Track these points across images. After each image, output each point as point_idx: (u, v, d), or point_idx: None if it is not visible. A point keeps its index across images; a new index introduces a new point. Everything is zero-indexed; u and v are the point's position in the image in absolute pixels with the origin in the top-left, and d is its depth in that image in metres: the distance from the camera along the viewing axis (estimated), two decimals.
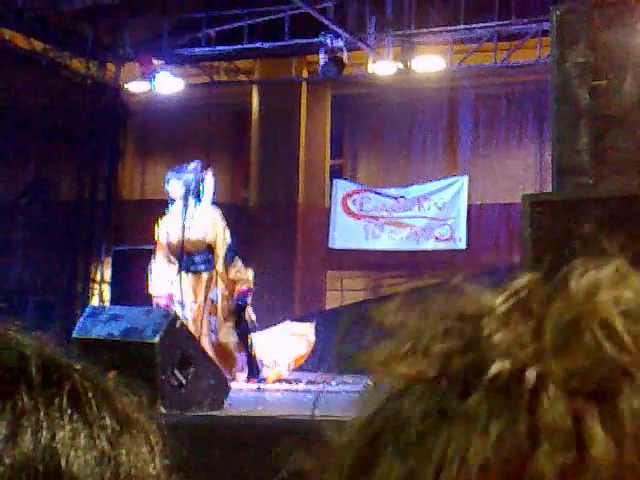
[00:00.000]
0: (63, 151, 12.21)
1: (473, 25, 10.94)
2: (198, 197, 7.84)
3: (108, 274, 11.79)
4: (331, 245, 12.02)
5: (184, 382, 5.19)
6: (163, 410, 5.07)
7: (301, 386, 7.73)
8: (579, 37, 5.29)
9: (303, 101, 13.22)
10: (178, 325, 5.35)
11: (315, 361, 8.89)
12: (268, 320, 12.15)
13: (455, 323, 0.43)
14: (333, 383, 7.78)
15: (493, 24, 10.82)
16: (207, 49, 11.98)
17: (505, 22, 10.76)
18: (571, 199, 5.04)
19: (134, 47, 12.28)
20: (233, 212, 13.38)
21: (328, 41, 10.91)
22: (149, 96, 12.47)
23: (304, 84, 13.26)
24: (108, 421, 0.57)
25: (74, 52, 12.18)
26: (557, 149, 5.44)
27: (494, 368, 0.40)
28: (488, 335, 0.41)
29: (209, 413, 5.24)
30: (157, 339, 5.06)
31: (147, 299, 9.67)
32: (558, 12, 5.53)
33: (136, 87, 12.36)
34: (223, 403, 5.49)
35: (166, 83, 11.94)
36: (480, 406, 0.39)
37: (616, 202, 4.97)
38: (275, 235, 12.52)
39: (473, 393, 0.40)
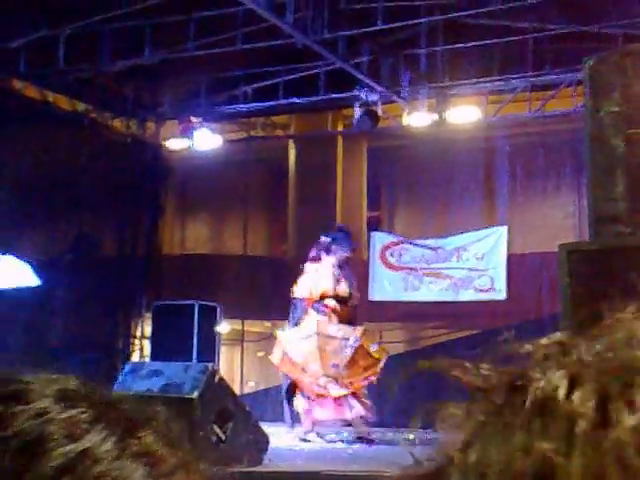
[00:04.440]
0: (106, 208, 12.42)
1: (507, 76, 10.99)
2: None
3: (148, 329, 11.88)
4: (370, 297, 11.99)
5: (223, 437, 5.18)
6: (202, 466, 5.06)
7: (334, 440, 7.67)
8: (612, 86, 5.30)
9: (339, 154, 13.34)
10: (217, 380, 5.36)
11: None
12: None
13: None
14: (373, 436, 7.71)
15: (528, 74, 10.87)
16: (244, 106, 12.17)
17: (540, 73, 10.81)
18: (608, 247, 5.00)
19: (173, 105, 12.53)
20: (272, 266, 13.46)
21: (363, 95, 11.03)
22: (188, 153, 12.68)
23: (340, 138, 13.40)
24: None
25: (115, 112, 12.46)
26: (593, 198, 5.43)
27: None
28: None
29: (248, 469, 5.22)
30: (196, 394, 5.08)
31: (187, 354, 9.70)
32: (590, 62, 5.56)
33: (176, 144, 12.58)
34: (262, 458, 5.47)
35: (205, 140, 12.14)
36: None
37: None
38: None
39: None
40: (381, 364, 7.72)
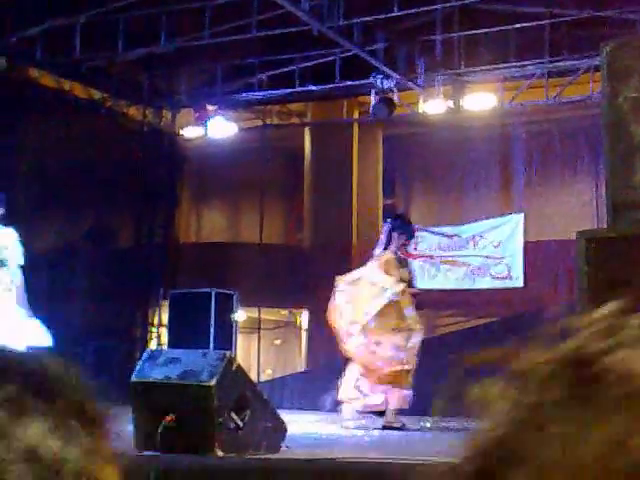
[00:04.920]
0: (122, 197, 12.45)
1: (524, 62, 10.93)
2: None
3: (165, 317, 11.92)
4: None
5: (241, 425, 5.20)
6: (220, 453, 5.09)
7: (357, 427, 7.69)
8: (631, 72, 5.26)
9: (355, 142, 13.32)
10: (234, 368, 5.38)
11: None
12: (324, 361, 12.15)
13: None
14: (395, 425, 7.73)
15: (544, 60, 10.80)
16: (260, 93, 12.16)
17: (556, 58, 10.74)
18: (626, 235, 4.97)
19: (189, 93, 12.54)
20: (287, 254, 13.48)
21: (379, 82, 10.99)
22: (204, 141, 12.68)
23: (355, 125, 13.37)
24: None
25: (131, 100, 12.49)
26: (611, 185, 5.40)
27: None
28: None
29: (266, 456, 5.24)
30: (214, 382, 5.09)
31: (204, 342, 9.74)
32: (608, 47, 5.51)
33: (191, 132, 12.60)
34: (280, 445, 5.49)
35: (220, 128, 12.15)
36: None
37: None
38: (330, 276, 12.53)
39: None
40: (414, 340, 7.64)
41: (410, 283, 7.96)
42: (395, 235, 7.98)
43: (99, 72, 11.64)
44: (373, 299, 7.63)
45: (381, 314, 7.56)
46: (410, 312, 7.73)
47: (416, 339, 7.69)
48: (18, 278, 6.73)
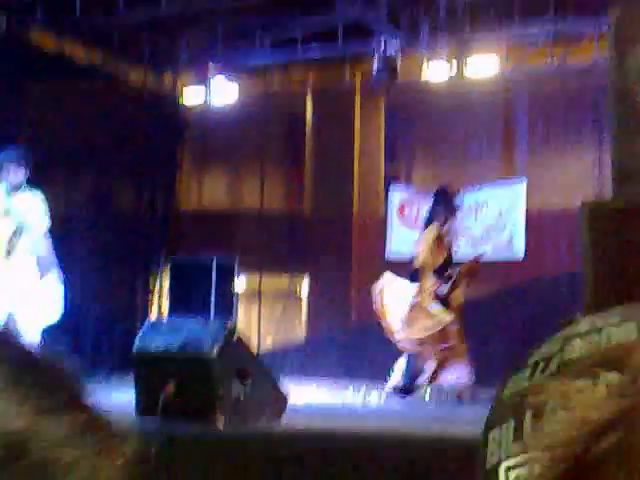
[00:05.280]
0: (122, 163, 12.37)
1: (528, 25, 10.81)
2: None
3: (166, 285, 11.90)
4: (387, 255, 11.93)
5: (242, 395, 5.19)
6: (221, 422, 5.08)
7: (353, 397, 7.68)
8: (638, 38, 5.16)
9: (357, 109, 13.20)
10: (236, 338, 5.36)
11: (373, 372, 8.84)
12: (323, 330, 12.16)
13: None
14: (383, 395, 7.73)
15: (549, 24, 10.68)
16: (262, 57, 12.06)
17: (562, 22, 10.61)
18: (631, 205, 4.91)
19: (190, 57, 12.43)
20: (288, 222, 13.42)
21: (381, 46, 10.88)
22: (205, 107, 12.59)
23: (358, 92, 13.24)
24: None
25: (132, 63, 12.37)
26: (616, 153, 5.32)
27: None
28: None
29: (267, 426, 5.24)
30: (215, 352, 5.08)
31: (205, 310, 9.72)
32: (616, 12, 5.40)
33: (192, 98, 12.51)
34: (281, 416, 5.48)
35: (221, 90, 12.07)
36: None
37: None
38: (330, 244, 12.50)
39: None
40: (447, 320, 7.71)
41: (450, 259, 8.02)
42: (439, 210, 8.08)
43: (99, 35, 11.50)
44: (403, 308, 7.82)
45: (408, 321, 7.73)
46: (435, 307, 7.81)
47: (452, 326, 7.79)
48: (42, 246, 6.57)
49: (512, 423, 0.45)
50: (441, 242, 8.08)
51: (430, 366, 7.62)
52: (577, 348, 0.45)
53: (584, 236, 5.24)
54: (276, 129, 13.67)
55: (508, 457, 0.44)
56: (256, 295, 13.02)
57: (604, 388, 0.43)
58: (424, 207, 11.91)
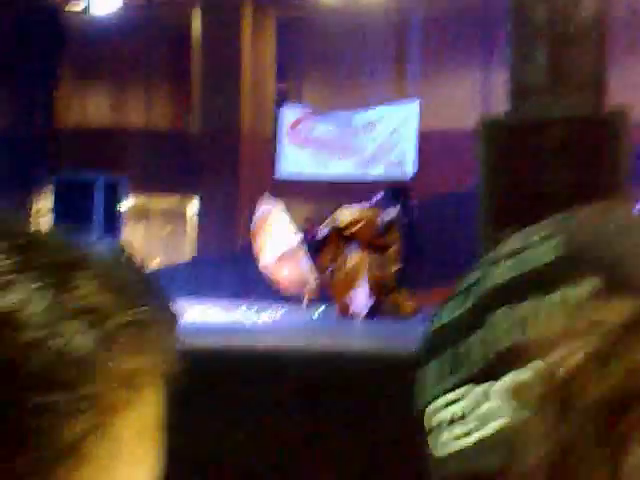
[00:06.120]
0: None
1: None
2: None
3: (48, 204, 11.43)
4: (277, 174, 11.80)
5: None
6: None
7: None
8: None
9: (247, 25, 12.84)
10: (125, 256, 5.17)
11: (263, 290, 8.80)
12: (211, 250, 12.00)
13: None
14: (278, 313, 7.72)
15: None
16: None
17: None
18: (528, 120, 4.94)
19: None
20: (174, 139, 13.08)
21: None
22: (87, 17, 11.99)
23: (248, 7, 12.87)
24: None
25: None
26: (513, 69, 5.31)
27: None
28: None
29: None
30: None
31: (90, 229, 9.39)
32: None
33: (73, 6, 11.88)
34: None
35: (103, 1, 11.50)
36: None
37: (574, 122, 4.89)
38: (218, 164, 12.27)
39: None
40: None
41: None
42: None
43: None
44: None
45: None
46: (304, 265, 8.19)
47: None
48: None
49: (446, 356, 0.45)
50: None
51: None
52: (498, 274, 0.45)
53: (480, 152, 5.23)
54: (162, 43, 13.18)
55: (446, 391, 0.44)
56: (143, 215, 12.71)
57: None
58: (315, 126, 11.79)
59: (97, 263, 0.47)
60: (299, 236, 8.65)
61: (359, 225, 8.01)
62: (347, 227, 8.06)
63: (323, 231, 8.17)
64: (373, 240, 8.00)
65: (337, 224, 8.15)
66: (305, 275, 8.37)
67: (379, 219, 8.06)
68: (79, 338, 0.43)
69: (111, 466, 0.44)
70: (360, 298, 7.85)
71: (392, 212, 8.10)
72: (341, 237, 8.08)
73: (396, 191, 8.62)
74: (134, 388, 0.45)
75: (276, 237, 8.50)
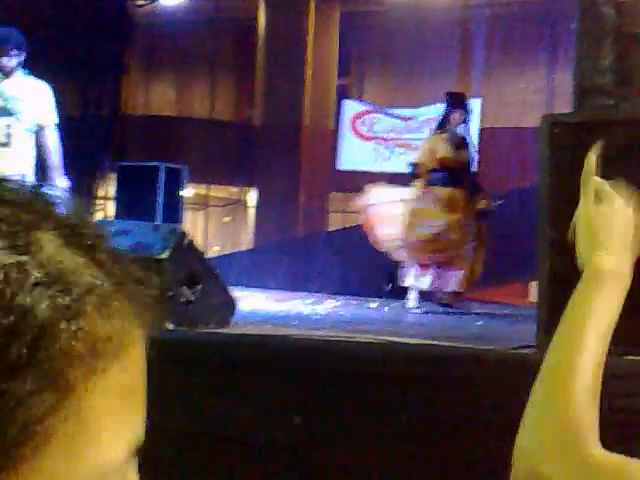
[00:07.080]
0: (67, 64, 11.94)
1: None
2: None
3: (112, 191, 11.66)
4: (339, 167, 11.86)
5: (192, 299, 5.13)
6: (170, 326, 5.02)
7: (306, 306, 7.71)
8: None
9: (311, 18, 12.91)
10: (186, 242, 5.27)
11: (321, 282, 8.86)
12: (270, 240, 12.11)
13: None
14: (338, 303, 7.77)
15: None
16: None
17: None
18: (592, 120, 4.90)
19: None
20: (236, 131, 13.22)
21: None
22: (155, 8, 12.19)
23: (312, 0, 12.94)
24: None
25: None
26: (579, 69, 5.28)
27: None
28: None
29: (216, 330, 5.20)
30: (166, 255, 4.99)
31: (151, 216, 9.56)
32: None
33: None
34: (230, 321, 5.45)
35: None
36: None
37: (638, 124, 4.85)
38: (280, 155, 12.37)
39: None
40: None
41: (468, 164, 7.88)
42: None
43: None
44: None
45: None
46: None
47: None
48: (52, 138, 6.39)
49: None
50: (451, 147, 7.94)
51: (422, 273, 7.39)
52: None
53: (542, 150, 5.22)
54: (228, 35, 13.33)
55: None
56: (204, 204, 12.88)
57: None
58: (377, 121, 11.82)
59: (62, 220, 0.44)
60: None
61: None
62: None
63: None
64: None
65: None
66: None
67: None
68: (40, 309, 0.40)
69: (80, 441, 0.42)
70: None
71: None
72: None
73: (457, 97, 8.32)
74: (100, 357, 0.42)
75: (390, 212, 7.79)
